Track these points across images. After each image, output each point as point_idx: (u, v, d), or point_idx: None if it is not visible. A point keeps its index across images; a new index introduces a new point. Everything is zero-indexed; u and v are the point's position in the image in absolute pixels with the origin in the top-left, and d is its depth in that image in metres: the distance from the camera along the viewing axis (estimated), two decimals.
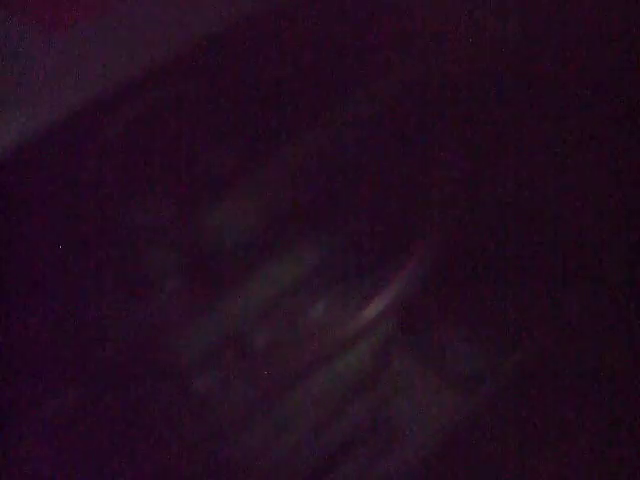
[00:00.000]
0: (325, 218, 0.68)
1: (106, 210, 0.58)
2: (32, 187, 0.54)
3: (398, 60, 0.66)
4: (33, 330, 0.58)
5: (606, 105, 0.68)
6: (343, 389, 0.69)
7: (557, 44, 0.67)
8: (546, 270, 0.73)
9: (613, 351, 0.73)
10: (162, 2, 0.59)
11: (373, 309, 0.68)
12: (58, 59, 0.55)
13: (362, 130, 0.65)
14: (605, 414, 0.73)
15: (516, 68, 0.69)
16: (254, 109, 0.61)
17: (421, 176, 0.69)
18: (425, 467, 0.71)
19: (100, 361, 0.61)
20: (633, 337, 0.74)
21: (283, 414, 0.66)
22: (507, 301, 0.74)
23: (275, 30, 0.60)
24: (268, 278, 0.66)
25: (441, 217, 0.69)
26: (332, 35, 0.63)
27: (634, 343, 0.74)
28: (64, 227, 0.56)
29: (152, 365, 0.63)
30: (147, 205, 0.60)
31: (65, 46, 0.55)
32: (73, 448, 0.61)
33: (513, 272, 0.73)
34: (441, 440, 0.71)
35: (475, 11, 0.67)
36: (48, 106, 0.53)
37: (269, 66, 0.60)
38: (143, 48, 0.56)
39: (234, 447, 0.65)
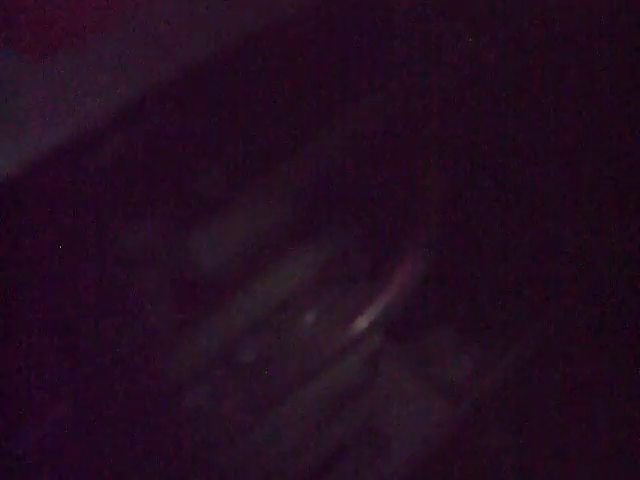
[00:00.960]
0: (313, 234, 0.68)
1: (100, 231, 0.59)
2: (25, 213, 0.54)
3: (389, 78, 0.66)
4: (26, 344, 0.59)
5: (604, 111, 0.68)
6: (333, 399, 0.70)
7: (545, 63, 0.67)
8: (533, 279, 0.74)
9: (601, 359, 0.74)
10: (149, 26, 0.59)
11: (362, 321, 0.69)
12: (43, 88, 0.55)
13: (348, 154, 0.66)
14: (593, 420, 0.74)
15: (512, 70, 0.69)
16: (243, 131, 0.62)
17: (408, 193, 0.69)
18: (414, 474, 0.72)
19: (93, 377, 0.62)
20: (627, 342, 0.74)
21: (274, 426, 0.68)
22: (494, 310, 0.75)
23: (266, 52, 0.60)
24: (257, 294, 0.67)
25: (429, 231, 0.70)
26: (323, 53, 0.63)
27: (628, 348, 0.74)
28: (59, 246, 0.57)
29: (144, 380, 0.64)
30: (140, 226, 0.61)
31: (50, 75, 0.55)
32: (66, 460, 0.62)
33: (500, 282, 0.74)
34: (430, 447, 0.72)
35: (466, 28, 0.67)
36: (36, 134, 0.53)
37: (258, 90, 0.61)
38: (130, 72, 0.57)
39: (225, 460, 0.66)
